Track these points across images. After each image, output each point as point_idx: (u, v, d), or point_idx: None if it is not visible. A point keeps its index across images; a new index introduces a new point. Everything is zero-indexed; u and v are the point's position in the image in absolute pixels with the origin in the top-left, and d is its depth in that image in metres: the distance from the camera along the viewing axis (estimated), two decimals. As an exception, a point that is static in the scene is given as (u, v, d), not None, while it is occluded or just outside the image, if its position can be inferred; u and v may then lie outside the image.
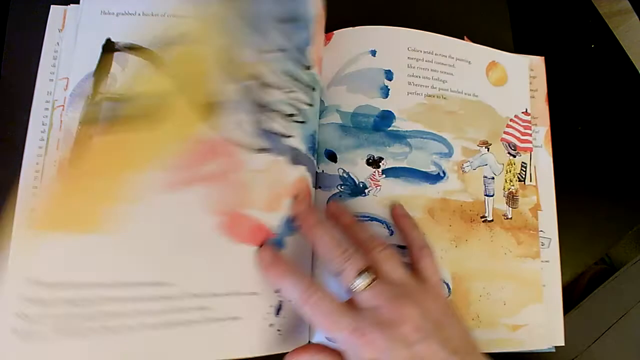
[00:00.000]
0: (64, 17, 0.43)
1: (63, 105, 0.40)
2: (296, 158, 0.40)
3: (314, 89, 0.42)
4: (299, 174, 0.40)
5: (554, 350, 0.46)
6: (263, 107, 0.38)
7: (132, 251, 0.32)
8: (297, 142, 0.40)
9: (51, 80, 0.43)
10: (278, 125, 0.38)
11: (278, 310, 0.39)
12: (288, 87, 0.39)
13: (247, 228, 0.37)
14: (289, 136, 0.39)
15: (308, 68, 0.42)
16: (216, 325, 0.35)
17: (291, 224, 0.39)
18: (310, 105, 0.42)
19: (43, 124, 0.42)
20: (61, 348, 0.29)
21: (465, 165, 0.46)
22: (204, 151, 0.34)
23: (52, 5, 0.44)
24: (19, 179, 0.41)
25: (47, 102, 0.42)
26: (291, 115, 0.39)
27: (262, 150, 0.37)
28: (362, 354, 0.32)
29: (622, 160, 0.53)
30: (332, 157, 0.44)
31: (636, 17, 0.58)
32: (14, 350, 0.28)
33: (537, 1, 0.56)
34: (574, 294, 0.50)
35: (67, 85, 0.41)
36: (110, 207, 0.29)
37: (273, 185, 0.38)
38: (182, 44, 0.35)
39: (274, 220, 0.38)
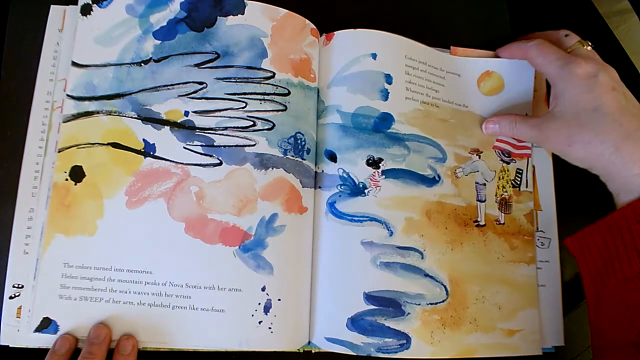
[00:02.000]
0: (64, 17, 0.43)
1: (61, 107, 0.40)
2: (265, 163, 0.42)
3: (288, 92, 0.43)
4: (275, 176, 0.42)
5: (553, 350, 0.46)
6: (206, 130, 0.42)
7: (120, 247, 0.39)
8: (264, 148, 0.42)
9: (51, 80, 0.43)
10: (230, 139, 0.42)
11: (267, 308, 0.40)
12: (236, 105, 0.42)
13: (217, 230, 0.40)
14: (251, 145, 0.42)
15: (271, 76, 0.43)
16: (201, 314, 0.39)
17: (271, 225, 0.41)
18: (284, 109, 0.43)
19: (43, 124, 0.42)
20: (84, 309, 0.38)
21: (457, 170, 0.46)
22: (155, 175, 0.40)
23: (52, 5, 0.44)
24: (19, 179, 0.41)
25: (47, 102, 0.42)
26: (249, 126, 0.42)
27: (215, 164, 0.41)
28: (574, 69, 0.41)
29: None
30: (332, 157, 0.44)
31: (636, 17, 0.58)
32: (60, 308, 0.38)
33: (537, 1, 0.56)
34: (574, 294, 0.49)
35: (65, 86, 0.41)
36: (98, 219, 0.39)
37: (237, 191, 0.41)
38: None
39: (247, 222, 0.41)
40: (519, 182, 0.48)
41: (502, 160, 0.48)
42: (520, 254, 0.46)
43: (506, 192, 0.47)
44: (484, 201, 0.47)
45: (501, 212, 0.47)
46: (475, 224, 0.46)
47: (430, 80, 0.47)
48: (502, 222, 0.47)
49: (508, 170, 0.48)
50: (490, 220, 0.46)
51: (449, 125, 0.47)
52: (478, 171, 0.47)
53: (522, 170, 0.48)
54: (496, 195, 0.47)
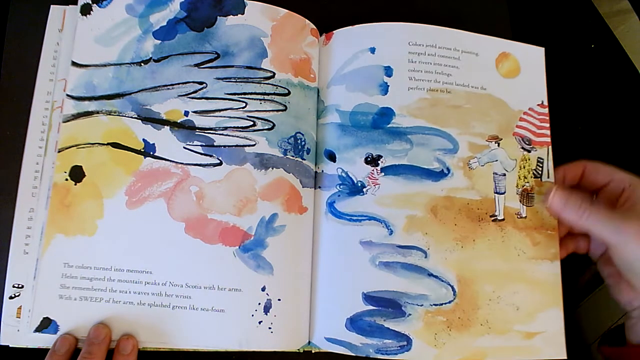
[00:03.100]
0: (64, 17, 0.44)
1: (61, 107, 0.41)
2: (265, 163, 0.42)
3: (288, 92, 0.43)
4: (275, 176, 0.42)
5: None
6: (206, 130, 0.42)
7: (120, 247, 0.39)
8: (264, 147, 0.42)
9: (51, 80, 0.43)
10: (230, 139, 0.42)
11: (267, 308, 0.40)
12: (236, 105, 0.42)
13: (217, 230, 0.40)
14: (251, 145, 0.42)
15: (271, 76, 0.43)
16: (201, 314, 0.39)
17: (271, 225, 0.41)
18: (284, 109, 0.43)
19: (43, 124, 0.42)
20: (83, 309, 0.38)
21: (472, 161, 0.44)
22: (155, 175, 0.40)
23: (52, 5, 0.44)
24: (19, 179, 0.41)
25: (47, 102, 0.42)
26: (249, 126, 0.42)
27: (215, 164, 0.41)
28: None
29: (622, 159, 0.53)
30: (331, 156, 0.44)
31: (636, 17, 0.58)
32: (60, 308, 0.38)
33: (537, 1, 0.56)
34: (574, 294, 0.49)
35: (65, 86, 0.41)
36: (98, 219, 0.39)
37: (237, 191, 0.41)
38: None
39: (247, 222, 0.41)
40: (540, 172, 0.46)
41: (523, 148, 0.46)
42: (542, 250, 0.44)
43: (528, 182, 0.45)
44: (504, 193, 0.44)
45: (523, 204, 0.45)
46: (492, 218, 0.44)
47: (440, 64, 0.45)
48: (523, 215, 0.44)
49: (529, 159, 0.46)
50: (510, 214, 0.44)
51: (462, 111, 0.45)
52: (497, 160, 0.45)
53: (543, 159, 0.46)
54: (517, 186, 0.45)
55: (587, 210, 0.39)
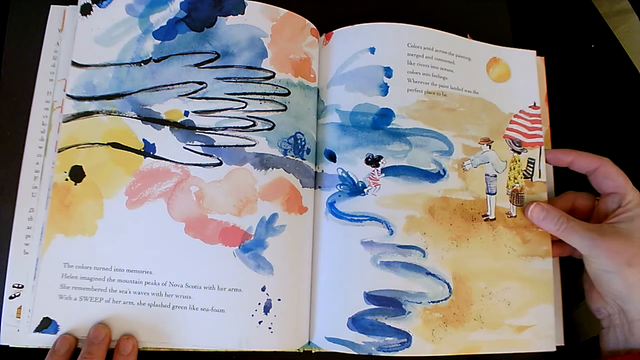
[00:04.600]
0: (64, 17, 0.44)
1: (61, 107, 0.41)
2: (265, 163, 0.42)
3: (288, 92, 0.43)
4: (275, 176, 0.42)
5: (554, 349, 0.45)
6: (206, 130, 0.42)
7: (120, 247, 0.39)
8: (264, 147, 0.42)
9: (51, 80, 0.43)
10: (230, 139, 0.42)
11: (267, 308, 0.40)
12: (236, 105, 0.42)
13: (217, 230, 0.40)
14: (251, 145, 0.42)
15: (271, 76, 0.43)
16: (201, 314, 0.39)
17: (271, 225, 0.41)
18: (284, 109, 0.43)
19: (43, 124, 0.42)
20: (83, 309, 0.38)
21: (465, 163, 0.45)
22: (155, 175, 0.40)
23: (52, 5, 0.44)
24: (19, 179, 0.41)
25: (46, 102, 0.42)
26: (249, 126, 0.42)
27: (215, 164, 0.41)
28: None
29: (622, 160, 0.53)
30: (331, 156, 0.44)
31: (636, 17, 0.58)
32: (60, 308, 0.38)
33: (537, 1, 0.56)
34: (575, 294, 0.49)
35: (65, 86, 0.41)
36: (98, 219, 0.39)
37: (237, 191, 0.41)
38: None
39: (247, 222, 0.41)
40: (530, 173, 0.47)
41: (513, 149, 0.47)
42: (533, 247, 0.45)
43: (517, 183, 0.46)
44: (495, 194, 0.45)
45: (512, 204, 0.46)
46: (484, 218, 0.45)
47: (437, 67, 0.46)
48: (513, 214, 0.45)
49: (519, 161, 0.47)
50: (500, 214, 0.45)
51: (457, 114, 0.46)
52: (488, 162, 0.46)
53: (534, 159, 0.47)
54: (507, 187, 0.46)
55: (564, 224, 0.42)
